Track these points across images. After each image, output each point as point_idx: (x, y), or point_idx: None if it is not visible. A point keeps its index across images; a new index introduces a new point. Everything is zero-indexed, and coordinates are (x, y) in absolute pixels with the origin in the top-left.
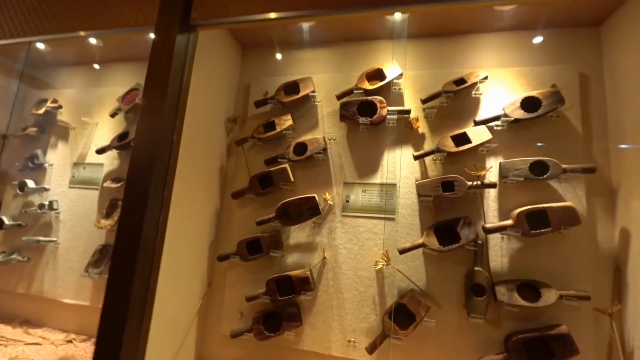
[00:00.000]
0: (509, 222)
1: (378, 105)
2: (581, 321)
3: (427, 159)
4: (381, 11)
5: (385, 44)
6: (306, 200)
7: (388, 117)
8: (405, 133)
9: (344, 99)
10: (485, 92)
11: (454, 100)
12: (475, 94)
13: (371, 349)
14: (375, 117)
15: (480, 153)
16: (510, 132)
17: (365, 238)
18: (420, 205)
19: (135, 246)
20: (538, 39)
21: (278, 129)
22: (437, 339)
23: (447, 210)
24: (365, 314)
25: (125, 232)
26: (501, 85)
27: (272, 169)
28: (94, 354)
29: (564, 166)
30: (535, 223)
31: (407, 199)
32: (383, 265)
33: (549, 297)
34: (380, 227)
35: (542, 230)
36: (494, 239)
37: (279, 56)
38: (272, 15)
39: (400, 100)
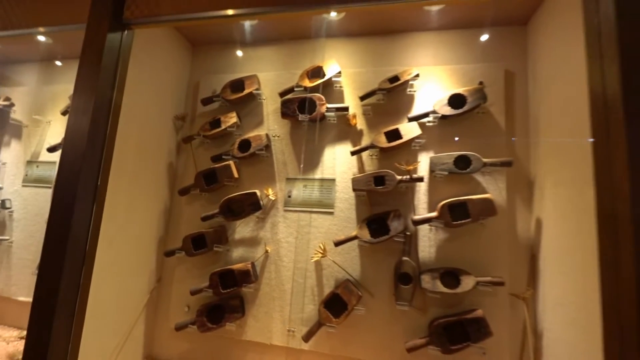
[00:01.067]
0: (434, 214)
1: (317, 102)
2: (499, 306)
3: (364, 155)
4: (316, 10)
5: (327, 43)
6: (248, 196)
7: (328, 114)
8: (345, 130)
9: (286, 97)
10: (420, 89)
11: (390, 97)
12: (409, 91)
13: (307, 337)
14: (314, 114)
15: (413, 148)
16: (441, 127)
17: (306, 232)
18: (357, 200)
19: (63, 242)
20: (471, 37)
21: (223, 127)
22: (369, 326)
23: (381, 204)
24: (304, 304)
25: (54, 229)
26: (434, 83)
27: (216, 165)
28: (24, 350)
29: (485, 160)
30: (457, 214)
31: (345, 194)
32: (319, 257)
33: (467, 283)
34: (320, 221)
35: (463, 221)
36: (424, 231)
37: (239, 53)
38: (205, 14)
39: (341, 97)
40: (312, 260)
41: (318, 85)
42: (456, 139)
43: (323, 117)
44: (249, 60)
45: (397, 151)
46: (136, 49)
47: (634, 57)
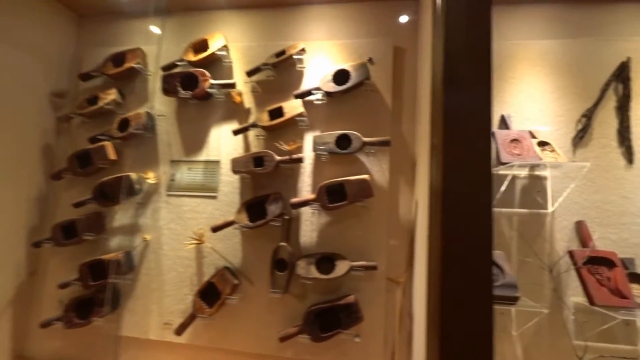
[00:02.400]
0: (312, 196)
1: (200, 78)
2: (376, 290)
3: (251, 135)
4: None
5: (218, 15)
6: (121, 180)
7: (212, 91)
8: (233, 108)
9: (168, 72)
10: (310, 65)
11: (281, 73)
12: (299, 67)
13: (179, 331)
14: (197, 90)
15: (300, 127)
16: (329, 106)
17: (188, 217)
18: (241, 183)
19: None
20: (363, 11)
21: (100, 104)
22: (248, 316)
23: (266, 187)
24: (183, 294)
25: None
26: (325, 58)
27: (90, 146)
28: None
29: (364, 139)
30: (335, 196)
31: (229, 177)
32: (196, 244)
33: (341, 268)
34: (203, 206)
35: (339, 203)
36: (306, 214)
37: (126, 24)
38: None
39: (230, 73)
40: (187, 248)
41: (204, 59)
42: (354, 117)
43: (209, 95)
44: (137, 32)
45: (284, 130)
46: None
47: None
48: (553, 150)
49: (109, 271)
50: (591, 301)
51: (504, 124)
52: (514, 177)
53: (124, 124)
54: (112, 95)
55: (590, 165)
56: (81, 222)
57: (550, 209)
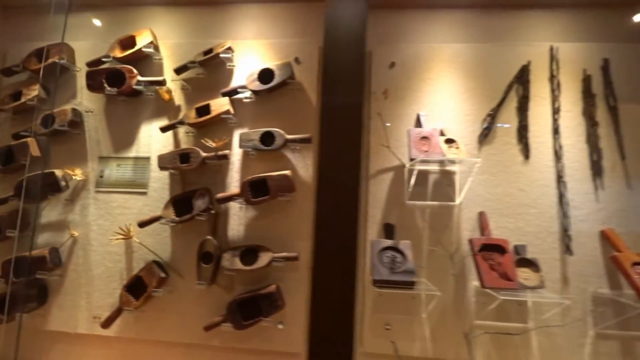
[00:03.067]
0: (236, 191)
1: (127, 74)
2: (300, 279)
3: (181, 132)
4: None
5: (147, 11)
6: (45, 177)
7: (144, 88)
8: (163, 105)
9: (92, 68)
10: (240, 63)
11: (210, 71)
12: (229, 65)
13: (105, 324)
14: (124, 87)
15: (229, 125)
16: (258, 103)
17: (118, 213)
18: (171, 179)
19: None
20: (291, 11)
21: (23, 99)
22: (177, 308)
23: (194, 183)
24: (113, 289)
25: None
26: (255, 57)
27: (13, 143)
28: None
29: (287, 137)
30: (258, 191)
31: (159, 173)
32: (122, 239)
33: (263, 260)
34: (133, 202)
35: (262, 198)
36: (234, 209)
37: (52, 19)
38: None
39: (160, 70)
40: (114, 242)
41: (131, 56)
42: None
43: (137, 92)
44: (65, 27)
45: (213, 128)
46: None
47: None
48: (457, 147)
49: (33, 267)
50: (482, 284)
51: (418, 122)
52: (427, 172)
53: (48, 120)
54: (35, 90)
55: (481, 161)
56: (3, 219)
57: (457, 201)
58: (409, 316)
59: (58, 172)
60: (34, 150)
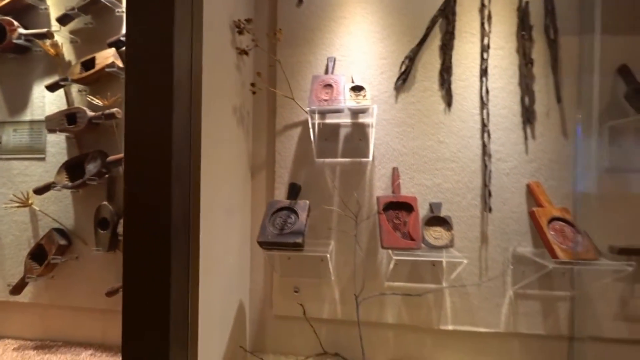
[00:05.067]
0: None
1: (7, 27)
2: None
3: (74, 91)
4: None
5: None
6: None
7: (27, 43)
8: (54, 62)
9: None
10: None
11: (100, 20)
12: (118, 12)
13: (14, 291)
14: (4, 42)
15: (122, 80)
16: None
17: (19, 181)
18: (67, 142)
19: None
20: None
21: None
22: (85, 273)
23: (91, 146)
24: (22, 257)
25: None
26: None
27: None
28: None
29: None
30: None
31: (56, 137)
32: (19, 206)
33: None
34: (33, 169)
35: None
36: None
37: None
38: None
39: (47, 22)
40: (8, 210)
41: (9, 5)
42: None
43: (21, 47)
44: None
45: (107, 84)
46: None
47: None
48: (364, 96)
49: None
50: (381, 244)
51: (328, 68)
52: (339, 126)
53: None
54: None
55: (376, 107)
56: None
57: (370, 157)
58: (318, 279)
59: None
60: None
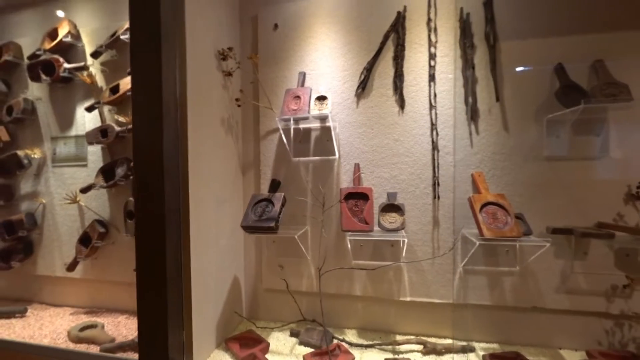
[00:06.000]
0: None
1: (55, 64)
2: None
3: (105, 110)
4: None
5: (70, 1)
6: (10, 157)
7: (70, 75)
8: (90, 89)
9: (30, 61)
10: None
11: (122, 53)
12: None
13: (69, 268)
14: (55, 75)
15: None
16: None
17: (70, 183)
18: (103, 152)
19: None
20: None
21: None
22: (120, 254)
23: (120, 153)
24: (74, 242)
25: None
26: None
27: None
28: None
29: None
30: None
31: (94, 148)
32: (70, 202)
33: None
34: (79, 173)
35: None
36: None
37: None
38: None
39: (84, 56)
40: (63, 205)
41: (57, 47)
42: None
43: (66, 78)
44: (8, 25)
45: (129, 105)
46: None
47: None
48: (326, 104)
49: (16, 228)
50: (341, 227)
51: (301, 81)
52: (310, 130)
53: (10, 110)
54: None
55: (330, 114)
56: None
57: (336, 155)
58: (298, 258)
59: (20, 152)
60: (4, 136)
